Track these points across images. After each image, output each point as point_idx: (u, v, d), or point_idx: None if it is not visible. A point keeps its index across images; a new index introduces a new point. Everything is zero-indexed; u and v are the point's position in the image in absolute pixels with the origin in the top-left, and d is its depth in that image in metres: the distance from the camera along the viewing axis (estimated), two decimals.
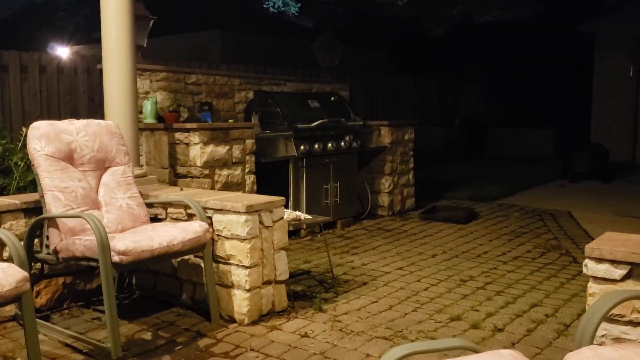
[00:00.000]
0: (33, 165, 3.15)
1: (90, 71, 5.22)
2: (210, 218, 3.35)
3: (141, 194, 3.51)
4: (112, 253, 2.78)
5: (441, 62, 14.94)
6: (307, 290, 3.85)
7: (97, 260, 2.78)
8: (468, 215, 6.22)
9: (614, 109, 10.44)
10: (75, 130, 3.32)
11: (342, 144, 5.82)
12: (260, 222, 3.31)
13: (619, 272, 2.30)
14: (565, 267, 4.41)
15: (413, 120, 7.00)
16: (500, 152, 12.27)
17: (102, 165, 3.40)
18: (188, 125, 4.56)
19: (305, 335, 3.11)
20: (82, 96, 5.20)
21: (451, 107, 14.70)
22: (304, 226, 4.72)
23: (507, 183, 8.13)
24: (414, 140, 6.84)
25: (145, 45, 5.03)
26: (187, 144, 4.52)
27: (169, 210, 3.58)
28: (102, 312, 2.95)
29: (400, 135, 6.60)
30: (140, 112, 4.77)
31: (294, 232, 5.08)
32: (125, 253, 2.80)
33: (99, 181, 3.37)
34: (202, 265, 3.34)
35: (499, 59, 14.42)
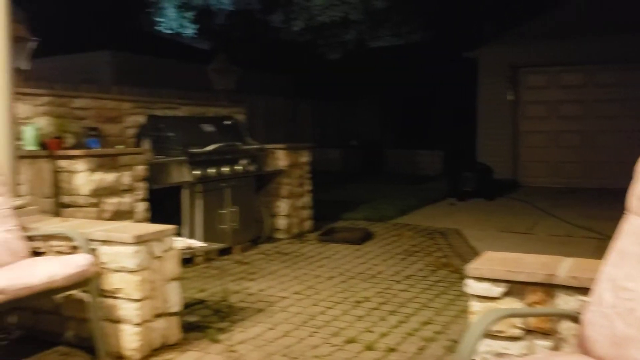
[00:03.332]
0: None
1: None
2: (96, 250, 3.19)
3: (21, 227, 3.28)
4: None
5: (338, 86, 15.35)
6: (201, 321, 3.75)
7: None
8: (363, 235, 6.37)
9: (496, 131, 11.18)
10: None
11: (238, 167, 5.78)
12: (150, 253, 3.20)
13: (498, 290, 2.44)
14: (454, 284, 4.61)
15: (309, 143, 7.09)
16: (395, 172, 12.73)
17: None
18: (73, 152, 4.34)
19: None
20: None
21: (348, 129, 15.11)
22: (200, 254, 4.61)
23: (401, 202, 8.42)
24: (311, 163, 6.93)
25: (26, 67, 4.72)
26: (72, 172, 4.29)
27: (51, 243, 3.36)
28: None
29: (297, 158, 6.66)
30: (21, 139, 4.47)
31: (189, 259, 4.95)
32: (1, 292, 2.60)
33: None
34: (88, 300, 3.16)
35: (392, 82, 15.04)
